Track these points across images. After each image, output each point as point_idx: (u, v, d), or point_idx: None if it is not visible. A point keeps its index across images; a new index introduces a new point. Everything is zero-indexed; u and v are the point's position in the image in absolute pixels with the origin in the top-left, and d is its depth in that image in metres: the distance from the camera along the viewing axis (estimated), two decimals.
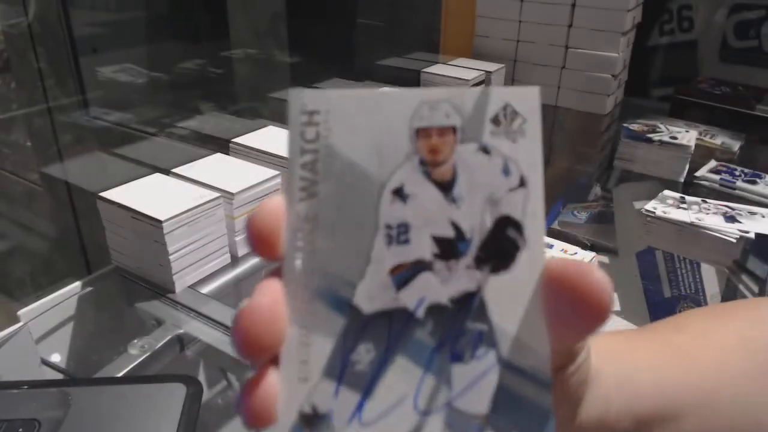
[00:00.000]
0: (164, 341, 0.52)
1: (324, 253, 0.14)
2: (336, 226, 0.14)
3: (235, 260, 0.61)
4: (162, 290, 0.57)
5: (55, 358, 0.56)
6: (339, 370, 0.14)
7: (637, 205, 0.70)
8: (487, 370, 0.14)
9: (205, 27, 0.97)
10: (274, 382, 0.14)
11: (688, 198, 0.68)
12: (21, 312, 0.54)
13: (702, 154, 0.84)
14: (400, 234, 0.14)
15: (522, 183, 0.14)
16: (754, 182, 0.77)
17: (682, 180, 0.81)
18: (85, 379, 0.49)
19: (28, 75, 0.64)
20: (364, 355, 0.14)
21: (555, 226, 0.73)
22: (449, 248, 0.14)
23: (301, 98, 0.15)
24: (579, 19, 1.00)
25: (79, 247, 0.66)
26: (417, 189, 0.15)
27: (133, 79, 0.78)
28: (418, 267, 0.14)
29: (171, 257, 0.55)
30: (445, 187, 0.15)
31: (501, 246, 0.14)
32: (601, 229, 0.74)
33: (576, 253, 0.54)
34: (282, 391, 0.14)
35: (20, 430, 0.35)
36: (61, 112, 0.65)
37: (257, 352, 0.14)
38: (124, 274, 0.59)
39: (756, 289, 0.60)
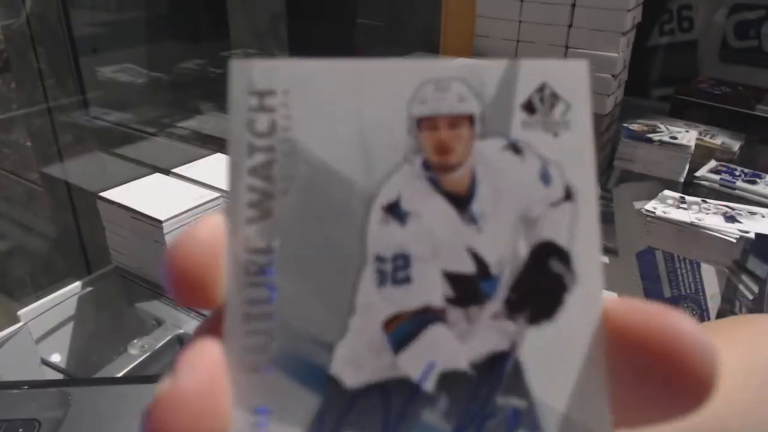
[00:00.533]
0: (164, 341, 0.52)
1: (286, 299, 0.10)
2: (303, 258, 0.10)
3: None
4: (162, 290, 0.57)
5: (55, 358, 0.56)
6: None
7: (637, 205, 0.70)
8: None
9: (205, 27, 0.97)
10: None
11: (688, 198, 0.68)
12: (21, 312, 0.54)
13: (702, 154, 0.84)
14: (397, 269, 0.10)
15: (568, 195, 0.11)
16: (754, 182, 0.77)
17: (682, 180, 0.81)
18: (85, 379, 0.49)
19: (28, 75, 0.64)
20: None
21: None
22: (469, 289, 0.10)
23: (247, 72, 0.10)
24: (579, 19, 1.00)
25: (79, 247, 0.66)
26: (420, 204, 0.10)
27: (133, 79, 0.78)
28: (425, 317, 0.10)
29: None
30: (461, 201, 0.10)
31: (542, 285, 0.10)
32: (601, 229, 0.74)
33: None
34: None
35: (20, 430, 0.35)
36: (61, 112, 0.65)
37: None
38: (124, 274, 0.59)
39: (756, 289, 0.60)
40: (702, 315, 0.64)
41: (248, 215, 0.10)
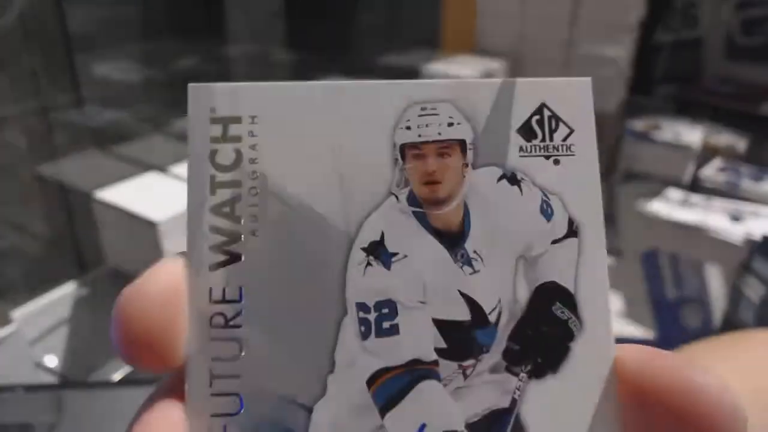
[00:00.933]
0: None
1: (256, 356, 0.09)
2: (275, 309, 0.09)
3: None
4: None
5: (49, 360, 0.55)
6: None
7: (641, 204, 0.69)
8: None
9: (202, 24, 0.96)
10: None
11: (692, 198, 0.67)
12: (14, 314, 0.53)
13: (707, 153, 0.83)
14: (382, 319, 0.09)
15: (572, 230, 0.10)
16: (759, 181, 0.77)
17: (686, 179, 0.80)
18: (80, 382, 0.49)
19: (21, 73, 0.63)
20: None
21: None
22: (463, 339, 0.09)
23: (207, 97, 0.09)
24: (582, 16, 1.00)
25: (73, 247, 0.65)
26: (407, 243, 0.09)
27: (128, 76, 0.77)
28: (415, 373, 0.09)
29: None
30: (452, 239, 0.09)
31: (545, 333, 0.09)
32: (605, 228, 0.73)
33: None
34: None
35: None
36: (55, 110, 0.65)
37: None
38: (119, 275, 0.59)
39: (761, 290, 0.59)
40: (706, 316, 0.63)
41: (212, 260, 0.09)
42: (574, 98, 0.10)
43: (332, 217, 0.09)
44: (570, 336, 0.09)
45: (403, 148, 0.09)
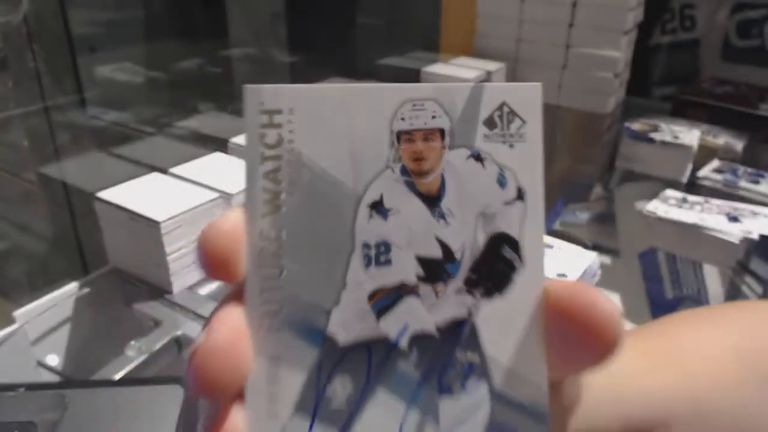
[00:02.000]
0: (162, 343, 0.52)
1: (292, 276, 0.13)
2: (305, 245, 0.13)
3: None
4: (160, 291, 0.56)
5: (52, 359, 0.55)
6: (313, 406, 0.13)
7: (639, 205, 0.70)
8: (479, 403, 0.13)
9: (204, 25, 0.97)
10: (238, 422, 0.12)
11: (690, 198, 0.67)
12: (17, 313, 0.53)
13: (704, 153, 0.83)
14: (380, 254, 0.13)
15: (520, 195, 0.13)
16: (757, 182, 0.77)
17: (684, 180, 0.80)
18: (82, 381, 0.49)
19: (25, 74, 0.64)
20: (340, 390, 0.13)
21: (556, 226, 0.72)
22: (436, 270, 0.13)
23: (258, 95, 0.13)
24: (580, 18, 1.00)
25: (76, 247, 0.65)
26: (399, 202, 0.13)
27: (131, 78, 0.78)
28: (401, 291, 0.13)
29: (169, 258, 0.54)
30: (432, 200, 0.13)
31: (495, 267, 0.13)
32: (603, 229, 0.73)
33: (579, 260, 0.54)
34: (249, 431, 0.12)
35: None
36: (59, 111, 0.65)
37: (218, 393, 0.12)
38: (122, 275, 0.59)
39: (759, 290, 0.59)
40: None
41: (262, 210, 0.13)
42: (527, 99, 0.13)
43: (346, 182, 0.13)
44: (513, 269, 0.13)
45: (399, 134, 0.13)
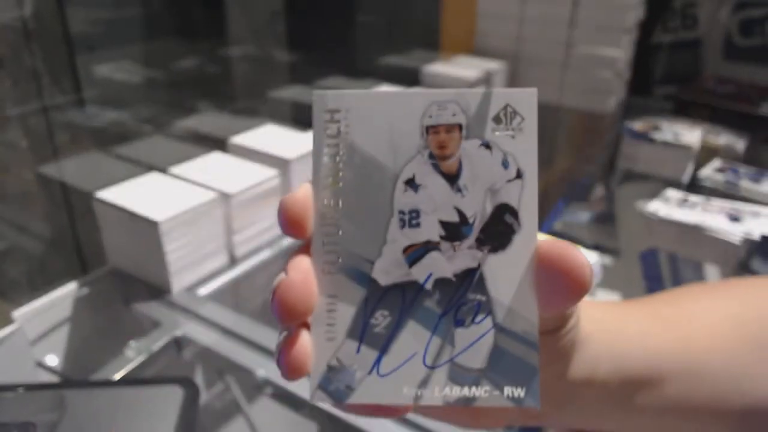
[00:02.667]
0: (161, 343, 0.51)
1: (347, 234, 0.17)
2: (356, 211, 0.17)
3: (233, 261, 0.61)
4: (159, 291, 0.56)
5: (51, 360, 0.55)
6: (360, 332, 0.17)
7: (640, 205, 0.70)
8: (485, 333, 0.17)
9: (203, 25, 0.97)
10: (307, 341, 0.16)
11: (691, 198, 0.67)
12: (16, 313, 0.53)
13: (706, 153, 0.83)
14: (411, 219, 0.17)
15: (519, 175, 0.16)
16: (758, 182, 0.77)
17: (685, 180, 0.80)
18: (81, 381, 0.49)
19: (22, 73, 0.63)
20: (381, 320, 0.17)
21: (557, 226, 0.72)
22: (454, 231, 0.17)
23: (324, 98, 0.17)
24: (581, 17, 1.00)
25: (74, 247, 0.65)
26: (427, 180, 0.17)
27: (129, 77, 0.78)
28: (428, 247, 0.17)
29: (168, 258, 0.54)
30: (452, 178, 0.17)
31: (499, 230, 0.16)
32: (604, 229, 0.73)
33: None
34: (313, 349, 0.17)
35: None
36: (57, 110, 0.65)
37: (292, 318, 0.16)
38: (121, 275, 0.59)
39: None
40: None
41: (324, 185, 0.17)
42: (525, 101, 0.17)
43: (387, 164, 0.17)
44: (513, 232, 0.16)
45: (427, 128, 0.17)
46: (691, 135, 0.81)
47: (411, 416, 0.41)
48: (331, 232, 0.17)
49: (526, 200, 0.16)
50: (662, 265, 0.65)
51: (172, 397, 0.38)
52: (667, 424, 0.23)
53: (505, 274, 0.16)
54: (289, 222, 0.16)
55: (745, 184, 0.76)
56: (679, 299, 0.26)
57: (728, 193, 0.75)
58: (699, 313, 0.24)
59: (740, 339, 0.23)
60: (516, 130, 0.16)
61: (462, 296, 0.17)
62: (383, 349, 0.17)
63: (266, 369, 0.48)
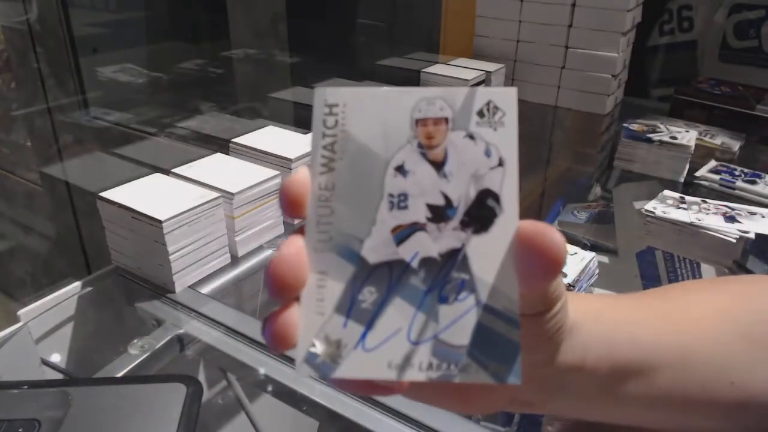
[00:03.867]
0: (164, 341, 0.52)
1: (339, 215, 0.18)
2: (349, 194, 0.18)
3: (235, 260, 0.61)
4: (162, 290, 0.57)
5: (55, 358, 0.56)
6: (348, 307, 0.17)
7: (637, 205, 0.70)
8: (468, 310, 0.17)
9: (205, 27, 0.97)
10: (294, 314, 0.17)
11: (687, 198, 0.68)
12: (21, 312, 0.54)
13: (702, 154, 0.84)
14: (400, 202, 0.18)
15: (500, 163, 0.18)
16: (753, 182, 0.77)
17: (682, 180, 0.81)
18: (85, 379, 0.49)
19: (28, 75, 0.64)
20: (368, 296, 0.17)
21: (555, 226, 0.72)
22: (440, 214, 0.18)
23: (323, 93, 0.18)
24: (579, 19, 1.00)
25: (79, 247, 0.66)
26: (415, 166, 0.18)
27: (133, 79, 0.78)
28: (414, 228, 0.18)
29: (171, 257, 0.55)
30: (438, 165, 0.18)
31: (482, 213, 0.17)
32: (601, 229, 0.74)
33: (575, 253, 0.54)
34: (301, 322, 0.17)
35: (20, 430, 0.35)
36: (61, 112, 0.65)
37: (284, 292, 0.17)
38: (124, 274, 0.59)
39: None
40: None
41: (321, 170, 0.18)
42: (506, 98, 0.18)
43: (379, 152, 0.18)
44: (495, 214, 0.17)
45: (417, 121, 0.18)
46: (687, 136, 0.82)
47: (413, 414, 0.42)
48: (325, 213, 0.18)
49: (508, 186, 0.17)
50: (659, 265, 0.65)
51: (175, 394, 0.38)
52: (656, 414, 0.23)
53: (488, 254, 0.17)
54: (288, 201, 0.17)
55: (741, 185, 0.77)
56: (670, 293, 0.26)
57: (724, 193, 0.76)
58: (690, 306, 0.25)
59: (731, 332, 0.24)
60: (498, 124, 0.18)
61: (446, 274, 0.17)
62: (369, 325, 0.17)
63: (268, 367, 0.49)
